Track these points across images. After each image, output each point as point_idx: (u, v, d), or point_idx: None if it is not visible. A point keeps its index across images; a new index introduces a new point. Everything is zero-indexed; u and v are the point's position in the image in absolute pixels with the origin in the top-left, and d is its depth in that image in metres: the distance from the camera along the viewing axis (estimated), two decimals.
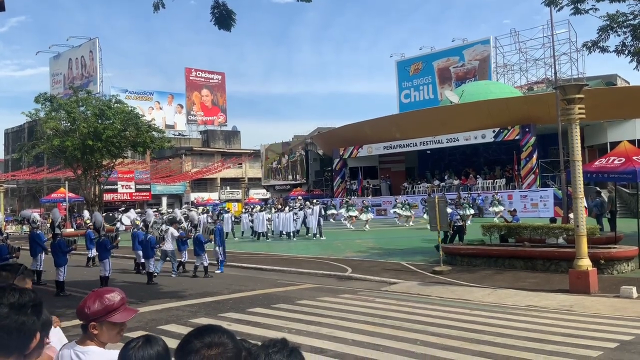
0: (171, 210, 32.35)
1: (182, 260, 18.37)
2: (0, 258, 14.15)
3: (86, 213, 21.84)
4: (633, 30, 18.20)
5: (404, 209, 32.16)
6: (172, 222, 18.71)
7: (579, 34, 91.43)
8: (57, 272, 14.45)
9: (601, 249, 14.18)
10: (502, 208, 30.51)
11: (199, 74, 75.65)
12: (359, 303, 11.65)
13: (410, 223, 31.10)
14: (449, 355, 7.53)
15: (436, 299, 12.08)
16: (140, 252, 17.79)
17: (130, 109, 38.94)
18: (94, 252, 19.19)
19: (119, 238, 18.51)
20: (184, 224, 20.69)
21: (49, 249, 15.80)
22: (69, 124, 37.71)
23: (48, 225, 24.07)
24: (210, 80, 76.34)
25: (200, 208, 35.87)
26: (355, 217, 31.77)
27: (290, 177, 57.33)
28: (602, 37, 18.58)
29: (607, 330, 8.75)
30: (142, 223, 19.62)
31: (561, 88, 12.74)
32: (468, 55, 54.25)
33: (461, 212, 21.25)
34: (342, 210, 33.82)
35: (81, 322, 2.75)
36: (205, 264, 16.84)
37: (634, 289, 11.22)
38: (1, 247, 14.96)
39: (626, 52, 18.67)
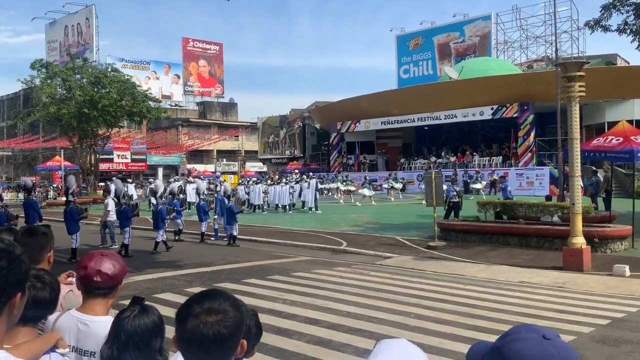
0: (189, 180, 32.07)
1: (203, 230, 18.53)
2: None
3: (71, 179, 21.64)
4: (636, 9, 18.03)
5: (345, 184, 32.63)
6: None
7: (581, 13, 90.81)
8: (70, 240, 14.77)
9: (595, 227, 14.24)
10: (483, 184, 31.06)
11: (196, 44, 74.80)
12: (353, 276, 11.72)
13: (373, 203, 30.56)
14: (442, 328, 7.60)
15: (430, 273, 12.16)
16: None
17: (126, 78, 38.59)
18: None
19: (139, 207, 18.75)
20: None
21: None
22: (64, 92, 37.41)
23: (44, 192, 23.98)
24: (208, 51, 75.53)
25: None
26: (352, 192, 31.96)
27: (287, 151, 57.20)
28: (605, 15, 18.41)
29: (599, 307, 8.83)
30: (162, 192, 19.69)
31: (562, 65, 12.65)
32: (469, 31, 53.75)
33: (457, 188, 21.27)
34: (339, 184, 34.03)
35: (90, 287, 2.51)
36: (235, 233, 17.05)
37: (627, 268, 11.31)
38: (0, 214, 14.96)
39: (628, 31, 18.52)
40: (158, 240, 16.27)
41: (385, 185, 34.42)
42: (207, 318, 1.59)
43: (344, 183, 32.77)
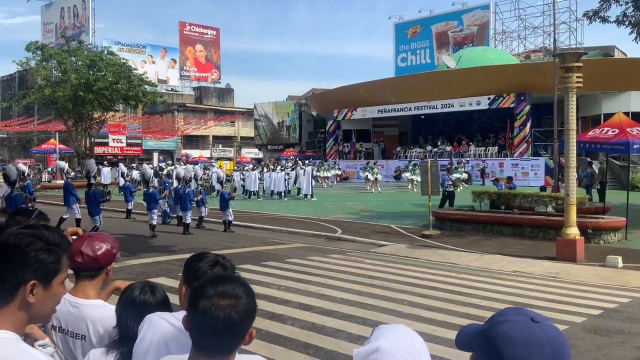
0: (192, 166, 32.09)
1: (203, 215, 18.31)
2: (16, 207, 14.09)
3: (62, 163, 21.74)
4: (635, 0, 17.98)
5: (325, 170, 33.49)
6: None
7: (580, 4, 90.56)
8: (92, 221, 15.28)
9: (589, 218, 14.31)
10: (464, 176, 30.57)
11: (193, 28, 74.29)
12: (347, 263, 11.75)
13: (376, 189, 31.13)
14: (435, 315, 7.63)
15: (424, 261, 12.20)
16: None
17: (122, 61, 38.29)
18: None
19: (167, 191, 18.84)
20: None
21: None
22: (60, 74, 37.15)
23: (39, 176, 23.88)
24: (205, 36, 75.05)
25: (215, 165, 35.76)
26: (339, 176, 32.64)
27: (283, 137, 57.04)
28: (604, 6, 18.35)
29: (591, 297, 8.89)
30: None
31: (560, 56, 12.62)
32: (467, 20, 53.57)
33: (453, 177, 21.31)
34: (332, 171, 34.71)
35: (74, 268, 2.50)
36: (230, 219, 17.06)
37: (620, 259, 11.38)
38: (16, 196, 14.91)
39: (627, 22, 18.47)
40: (187, 222, 16.57)
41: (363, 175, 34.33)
42: (220, 301, 1.57)
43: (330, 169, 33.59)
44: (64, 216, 16.54)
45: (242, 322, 1.60)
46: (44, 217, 3.04)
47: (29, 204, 15.09)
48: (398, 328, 1.57)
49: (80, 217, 16.49)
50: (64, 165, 21.39)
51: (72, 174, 18.65)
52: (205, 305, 1.57)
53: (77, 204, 16.70)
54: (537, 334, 1.25)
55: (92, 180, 16.43)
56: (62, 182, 34.59)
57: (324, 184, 34.81)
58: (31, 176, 18.84)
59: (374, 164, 34.22)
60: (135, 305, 2.32)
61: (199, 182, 20.13)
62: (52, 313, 1.73)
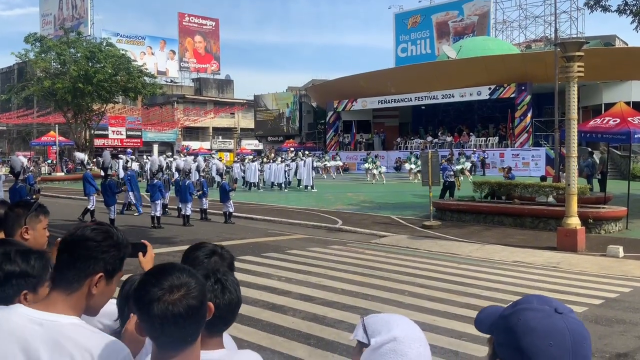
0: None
1: (205, 207, 18.22)
2: (20, 198, 14.06)
3: (81, 155, 21.61)
4: None
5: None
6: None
7: None
8: (108, 211, 15.67)
9: (590, 208, 14.29)
10: (467, 165, 30.08)
11: (192, 19, 73.92)
12: (348, 254, 11.75)
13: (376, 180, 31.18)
14: (436, 306, 7.63)
15: (425, 252, 12.20)
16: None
17: (121, 53, 38.15)
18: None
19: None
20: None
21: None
22: (59, 66, 37.02)
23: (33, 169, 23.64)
24: (204, 27, 74.71)
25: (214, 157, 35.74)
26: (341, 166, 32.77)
27: (283, 128, 56.97)
28: None
29: (592, 287, 8.89)
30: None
31: (561, 45, 12.56)
32: (467, 9, 53.28)
33: (454, 168, 21.27)
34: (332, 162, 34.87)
35: None
36: (231, 210, 17.10)
37: (621, 249, 11.36)
38: (20, 188, 14.87)
39: (628, 11, 18.37)
40: (187, 214, 16.61)
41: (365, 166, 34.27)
42: (172, 296, 1.49)
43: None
44: (89, 207, 16.93)
45: (202, 303, 1.54)
46: (44, 210, 3.00)
47: (34, 196, 15.09)
48: (403, 318, 1.56)
49: (93, 208, 16.87)
50: (84, 156, 21.39)
51: (91, 165, 18.75)
52: (162, 307, 1.48)
53: (93, 196, 16.86)
54: (559, 325, 1.22)
55: (109, 172, 16.79)
56: (63, 174, 34.66)
57: (324, 175, 34.79)
58: (31, 168, 18.78)
59: (375, 157, 34.35)
60: None
61: (202, 174, 20.07)
62: (102, 307, 1.82)
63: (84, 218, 16.79)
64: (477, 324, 1.41)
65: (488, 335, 1.37)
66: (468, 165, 30.73)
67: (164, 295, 1.49)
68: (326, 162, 36.04)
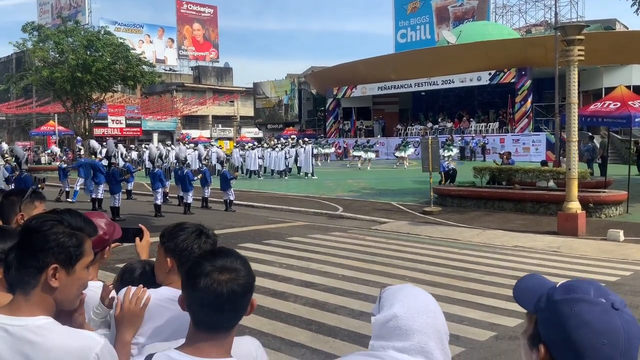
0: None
1: (206, 195, 18.19)
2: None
3: (94, 143, 21.51)
4: None
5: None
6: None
7: None
8: (112, 199, 15.68)
9: (591, 192, 14.30)
10: (454, 152, 29.58)
11: (190, 6, 73.39)
12: (349, 241, 11.76)
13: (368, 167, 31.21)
14: (437, 291, 7.64)
15: (425, 238, 12.21)
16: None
17: (119, 41, 37.93)
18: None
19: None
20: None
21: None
22: (57, 55, 36.84)
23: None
24: (202, 14, 74.22)
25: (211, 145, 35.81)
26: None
27: (282, 116, 56.84)
28: None
29: (593, 271, 8.91)
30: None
31: (562, 28, 12.48)
32: None
33: (445, 155, 21.30)
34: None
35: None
36: (232, 198, 17.15)
37: (621, 233, 11.38)
38: (26, 177, 14.87)
39: None
40: (189, 202, 16.60)
41: (356, 154, 34.15)
42: (221, 276, 1.55)
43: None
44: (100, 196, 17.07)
45: (245, 294, 1.59)
46: (39, 196, 2.98)
47: (39, 185, 15.06)
48: (409, 289, 1.56)
49: (96, 196, 16.89)
50: (98, 145, 21.58)
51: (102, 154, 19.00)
52: (207, 282, 1.54)
53: (100, 186, 16.88)
54: (615, 324, 1.15)
55: (113, 160, 16.84)
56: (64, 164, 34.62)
57: (319, 162, 34.58)
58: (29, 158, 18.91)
59: (367, 142, 34.63)
60: (136, 285, 2.28)
61: (203, 162, 20.09)
62: (77, 298, 1.73)
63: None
64: (517, 295, 1.34)
65: (517, 307, 1.28)
66: (454, 151, 29.94)
67: (212, 272, 1.55)
68: (320, 149, 36.39)
